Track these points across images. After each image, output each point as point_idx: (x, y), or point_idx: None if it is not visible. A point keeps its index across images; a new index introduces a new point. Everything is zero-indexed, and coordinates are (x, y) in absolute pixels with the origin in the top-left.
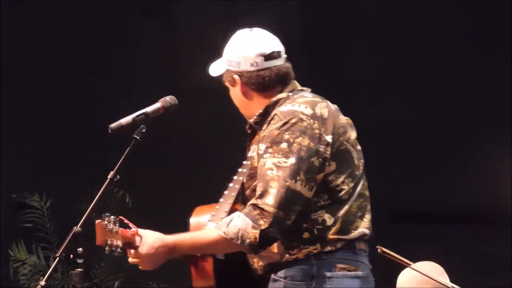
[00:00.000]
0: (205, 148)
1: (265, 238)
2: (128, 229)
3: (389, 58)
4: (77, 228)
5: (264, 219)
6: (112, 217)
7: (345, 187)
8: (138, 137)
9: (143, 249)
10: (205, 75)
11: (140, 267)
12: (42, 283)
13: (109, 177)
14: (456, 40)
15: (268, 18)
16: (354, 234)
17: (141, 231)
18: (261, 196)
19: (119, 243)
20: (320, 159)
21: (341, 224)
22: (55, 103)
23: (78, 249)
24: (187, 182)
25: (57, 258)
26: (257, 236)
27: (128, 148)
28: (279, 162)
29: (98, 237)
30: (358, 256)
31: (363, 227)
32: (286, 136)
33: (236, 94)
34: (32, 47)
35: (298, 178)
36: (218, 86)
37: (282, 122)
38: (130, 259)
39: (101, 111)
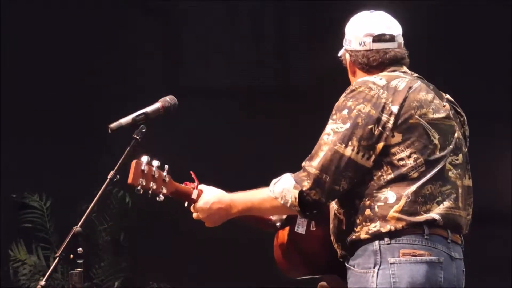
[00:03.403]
0: (206, 148)
1: (305, 200)
2: (191, 183)
3: None
4: (77, 228)
5: (308, 181)
6: (156, 162)
7: (411, 163)
8: (138, 137)
9: (199, 203)
10: (205, 75)
11: (205, 224)
12: (42, 283)
13: (109, 177)
14: (455, 39)
15: (269, 18)
16: (420, 217)
17: (202, 186)
18: (310, 158)
19: (164, 190)
20: (380, 128)
21: (405, 203)
22: (55, 103)
23: (78, 249)
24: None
25: (57, 258)
26: (296, 196)
27: (128, 148)
28: (336, 128)
29: (133, 176)
30: (429, 241)
31: (436, 212)
32: (349, 103)
33: (348, 72)
34: (32, 47)
35: (349, 143)
36: (218, 86)
37: (350, 89)
38: (193, 214)
39: (101, 111)
